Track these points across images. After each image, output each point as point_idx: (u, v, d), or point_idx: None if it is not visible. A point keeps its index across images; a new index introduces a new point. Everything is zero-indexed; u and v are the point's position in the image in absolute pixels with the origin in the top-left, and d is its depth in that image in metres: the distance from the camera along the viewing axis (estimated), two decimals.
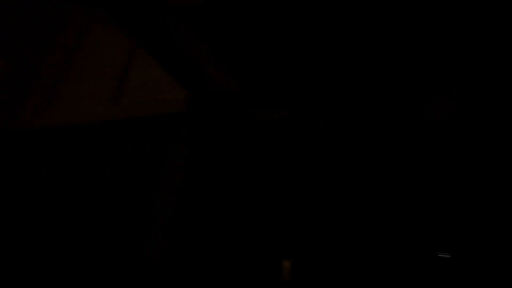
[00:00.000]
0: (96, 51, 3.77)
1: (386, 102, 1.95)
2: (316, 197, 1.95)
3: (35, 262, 2.58)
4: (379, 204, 1.74)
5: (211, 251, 2.14)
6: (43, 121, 3.56)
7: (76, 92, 3.58)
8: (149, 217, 2.20)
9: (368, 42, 1.90)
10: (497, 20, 1.67)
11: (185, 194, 2.23)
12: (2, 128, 3.45)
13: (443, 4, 1.64)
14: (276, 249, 2.03)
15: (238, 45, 2.22)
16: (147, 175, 2.50)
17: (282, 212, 2.04)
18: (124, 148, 2.76)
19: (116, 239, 2.32)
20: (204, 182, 2.29)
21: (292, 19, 1.94)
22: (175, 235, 2.16)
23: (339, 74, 2.10)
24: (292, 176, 2.12)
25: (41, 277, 2.49)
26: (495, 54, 1.77)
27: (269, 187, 2.17)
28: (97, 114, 3.30)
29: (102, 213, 2.57)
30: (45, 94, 3.66)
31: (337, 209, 1.85)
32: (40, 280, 2.47)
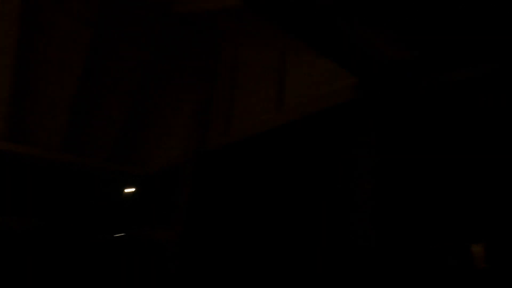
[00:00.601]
0: (250, 68, 4.17)
1: None
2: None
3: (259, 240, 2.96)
4: None
5: (410, 235, 1.99)
6: (224, 140, 4.14)
7: (244, 108, 4.02)
8: (354, 206, 2.22)
9: None
10: None
11: (383, 182, 2.16)
12: (196, 149, 4.19)
13: None
14: (466, 231, 1.73)
15: (404, 13, 2.06)
16: (339, 166, 2.54)
17: (478, 185, 1.73)
18: (308, 146, 2.90)
19: (325, 227, 2.43)
20: (401, 165, 2.17)
21: None
22: (379, 223, 2.11)
23: None
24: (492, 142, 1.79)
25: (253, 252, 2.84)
26: None
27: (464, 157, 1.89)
28: (266, 122, 3.59)
29: (310, 203, 2.75)
30: (222, 117, 4.27)
31: None
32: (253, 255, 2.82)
